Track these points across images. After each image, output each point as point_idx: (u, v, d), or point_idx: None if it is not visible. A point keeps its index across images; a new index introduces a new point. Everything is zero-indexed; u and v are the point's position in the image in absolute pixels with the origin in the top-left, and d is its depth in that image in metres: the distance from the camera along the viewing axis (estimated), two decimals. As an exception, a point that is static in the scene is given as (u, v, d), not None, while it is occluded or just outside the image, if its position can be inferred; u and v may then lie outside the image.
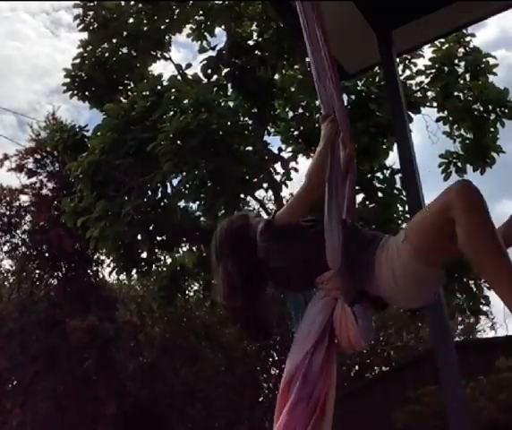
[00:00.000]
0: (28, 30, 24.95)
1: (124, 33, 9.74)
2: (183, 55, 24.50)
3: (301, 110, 9.49)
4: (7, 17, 23.31)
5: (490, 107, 8.72)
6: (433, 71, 9.05)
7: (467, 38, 8.89)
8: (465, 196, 1.74)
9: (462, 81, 8.99)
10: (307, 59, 8.77)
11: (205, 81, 9.40)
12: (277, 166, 9.17)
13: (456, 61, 8.96)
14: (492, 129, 8.81)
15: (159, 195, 8.88)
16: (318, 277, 2.00)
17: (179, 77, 9.68)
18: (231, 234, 2.14)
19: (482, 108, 8.80)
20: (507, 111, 8.65)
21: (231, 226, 2.17)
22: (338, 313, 1.97)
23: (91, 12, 9.74)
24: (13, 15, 23.72)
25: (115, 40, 9.82)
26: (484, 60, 8.78)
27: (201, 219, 9.32)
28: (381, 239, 1.98)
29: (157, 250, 9.19)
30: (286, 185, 9.34)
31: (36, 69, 24.88)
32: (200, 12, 9.59)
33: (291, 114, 9.71)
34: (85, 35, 9.90)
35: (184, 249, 10.12)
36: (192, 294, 14.45)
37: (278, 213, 2.06)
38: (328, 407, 1.93)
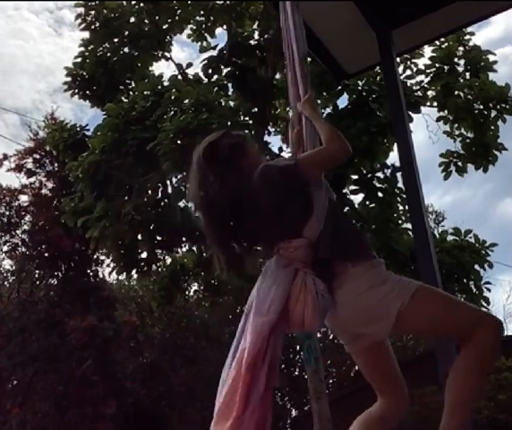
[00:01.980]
0: (31, 28, 25.00)
1: (126, 33, 9.74)
2: (187, 54, 24.59)
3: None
4: (11, 16, 23.33)
5: (491, 104, 8.72)
6: (433, 70, 9.05)
7: (467, 37, 8.88)
8: (493, 337, 1.82)
9: (462, 80, 8.99)
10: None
11: (206, 80, 9.40)
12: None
13: (456, 59, 8.96)
14: (493, 127, 8.80)
15: (159, 195, 8.87)
16: (285, 241, 1.91)
17: (180, 77, 9.68)
18: (231, 145, 2.03)
19: (482, 106, 8.80)
20: (507, 107, 8.65)
21: (234, 139, 2.07)
22: (298, 284, 1.84)
23: (93, 12, 9.74)
24: (17, 14, 23.75)
25: (116, 40, 9.82)
26: (484, 57, 8.78)
27: (201, 219, 9.30)
28: (375, 257, 1.96)
29: (157, 250, 9.19)
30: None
31: (39, 68, 24.93)
32: (202, 11, 9.60)
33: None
34: (88, 34, 9.90)
35: (184, 249, 10.12)
36: (191, 294, 14.46)
37: (303, 164, 1.96)
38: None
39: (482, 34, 26.96)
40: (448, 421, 1.86)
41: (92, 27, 9.75)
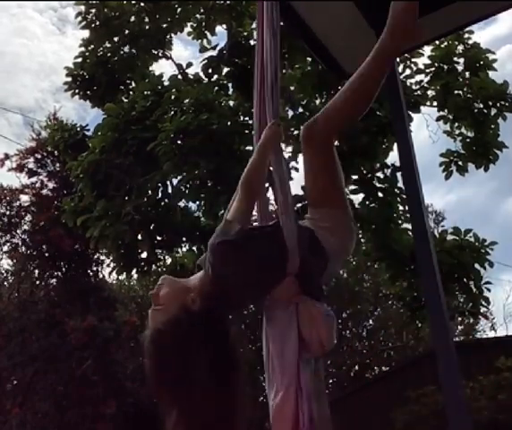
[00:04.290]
0: (35, 27, 25.03)
1: (126, 31, 9.74)
2: (190, 53, 24.55)
3: (301, 110, 9.49)
4: (14, 14, 23.34)
5: (491, 102, 8.72)
6: (433, 69, 9.05)
7: (466, 35, 8.88)
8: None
9: (461, 79, 8.99)
10: (308, 58, 8.79)
11: (206, 80, 9.41)
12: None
13: (456, 58, 8.97)
14: (493, 125, 8.81)
15: (159, 195, 8.88)
16: (274, 287, 1.84)
17: (180, 76, 9.69)
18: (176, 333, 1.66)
19: (482, 105, 8.80)
20: (507, 104, 8.65)
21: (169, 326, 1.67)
22: (305, 316, 1.80)
23: (93, 10, 9.74)
24: (21, 12, 23.76)
25: (116, 39, 9.83)
26: (484, 56, 8.78)
27: (201, 219, 9.31)
28: (312, 230, 1.93)
29: (157, 250, 9.19)
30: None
31: (43, 66, 24.97)
32: (202, 10, 9.62)
33: (291, 113, 9.73)
34: (89, 33, 9.90)
35: (184, 249, 10.12)
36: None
37: (227, 220, 1.83)
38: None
39: (488, 31, 26.96)
40: None
41: (93, 25, 9.76)
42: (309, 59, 8.76)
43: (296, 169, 9.18)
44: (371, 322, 17.69)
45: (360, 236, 9.43)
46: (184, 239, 9.49)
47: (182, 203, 9.15)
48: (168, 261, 10.50)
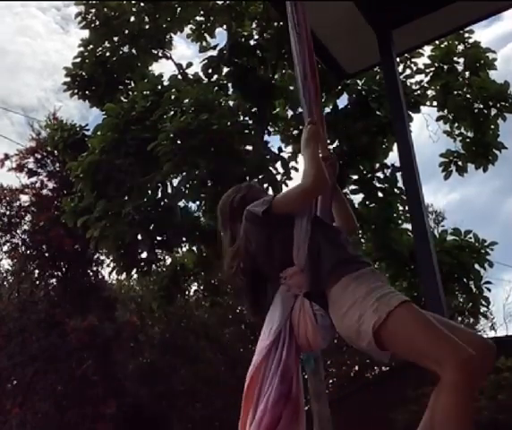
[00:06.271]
0: (38, 25, 24.98)
1: (126, 31, 9.73)
2: (193, 52, 24.51)
3: (301, 110, 9.49)
4: (18, 13, 23.30)
5: (491, 102, 8.71)
6: (433, 69, 9.04)
7: (466, 35, 8.87)
8: (465, 374, 1.67)
9: (461, 79, 8.98)
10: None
11: (206, 80, 9.40)
12: (277, 165, 9.18)
13: (456, 58, 8.96)
14: (493, 126, 8.80)
15: (159, 195, 8.87)
16: (282, 271, 2.04)
17: (180, 76, 9.68)
18: (240, 202, 2.17)
19: (482, 105, 8.80)
20: (507, 105, 8.64)
21: (239, 193, 2.22)
22: (297, 309, 1.98)
23: (93, 10, 9.73)
24: (24, 11, 23.71)
25: (116, 39, 9.81)
26: (484, 55, 8.77)
27: (201, 219, 9.31)
28: (359, 267, 1.96)
29: (157, 250, 9.19)
30: (286, 185, 9.35)
31: (46, 65, 24.94)
32: (201, 11, 9.61)
33: (291, 113, 9.71)
34: (91, 33, 9.88)
35: (184, 249, 10.12)
36: (192, 294, 14.45)
37: (275, 205, 2.03)
38: (302, 403, 1.95)
39: (493, 29, 26.92)
40: None
41: (92, 25, 9.74)
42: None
43: (296, 169, 9.18)
44: (371, 321, 17.67)
45: (360, 236, 9.43)
46: (184, 239, 9.49)
47: (182, 203, 9.15)
48: (168, 261, 10.50)
